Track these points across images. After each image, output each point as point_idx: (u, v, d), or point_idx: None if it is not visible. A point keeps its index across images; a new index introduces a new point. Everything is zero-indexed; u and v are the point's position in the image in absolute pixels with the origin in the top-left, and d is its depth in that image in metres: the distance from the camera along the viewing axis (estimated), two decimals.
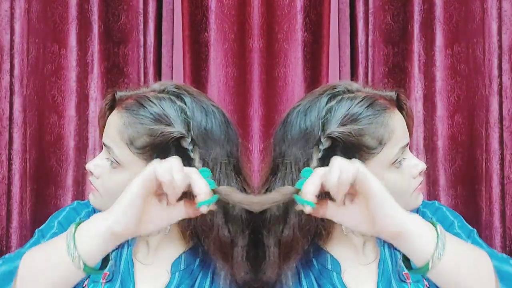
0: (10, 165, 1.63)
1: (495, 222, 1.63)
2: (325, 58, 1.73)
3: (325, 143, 0.91)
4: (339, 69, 1.77)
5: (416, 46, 1.70)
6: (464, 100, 1.70)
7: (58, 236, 0.86)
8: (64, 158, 1.71)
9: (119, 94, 0.99)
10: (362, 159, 0.92)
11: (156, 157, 0.90)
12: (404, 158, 0.97)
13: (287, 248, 0.94)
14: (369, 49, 1.72)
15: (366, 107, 0.94)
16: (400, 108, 1.00)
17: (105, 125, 0.99)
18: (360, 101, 0.94)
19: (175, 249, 1.01)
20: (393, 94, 0.99)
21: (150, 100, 0.94)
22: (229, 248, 0.94)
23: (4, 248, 1.65)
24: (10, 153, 1.63)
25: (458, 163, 1.72)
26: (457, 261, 0.81)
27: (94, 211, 1.08)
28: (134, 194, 0.80)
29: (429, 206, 1.10)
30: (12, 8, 1.62)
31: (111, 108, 0.99)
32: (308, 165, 0.90)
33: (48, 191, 1.71)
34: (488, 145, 1.64)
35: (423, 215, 1.08)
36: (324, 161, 0.89)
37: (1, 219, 1.65)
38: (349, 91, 0.97)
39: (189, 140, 0.90)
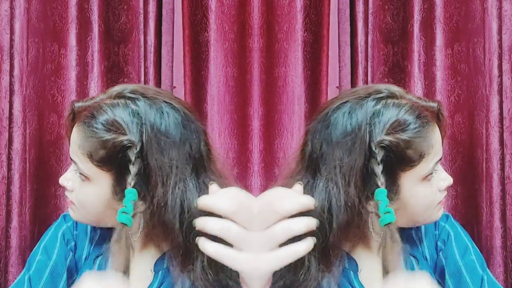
0: (9, 165, 1.63)
1: (495, 222, 1.63)
2: (325, 58, 1.73)
3: (380, 153, 0.89)
4: (339, 69, 1.77)
5: (416, 45, 1.70)
6: (464, 100, 1.70)
7: None
8: (64, 158, 1.71)
9: (76, 105, 0.96)
10: (401, 170, 0.91)
11: (114, 169, 0.90)
12: (436, 171, 0.96)
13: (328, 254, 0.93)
14: (369, 48, 1.72)
15: (415, 118, 0.92)
16: (437, 119, 0.98)
17: None
18: (408, 109, 0.92)
19: (159, 249, 1.01)
20: (435, 105, 0.97)
21: (103, 109, 0.92)
22: (187, 255, 0.92)
23: (3, 249, 1.64)
24: (9, 153, 1.63)
25: (458, 163, 1.71)
26: None
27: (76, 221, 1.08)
28: None
29: (444, 219, 1.09)
30: (11, 8, 1.62)
31: (74, 120, 0.97)
32: (355, 170, 0.89)
33: (48, 191, 1.71)
34: (489, 145, 1.64)
35: (442, 231, 1.08)
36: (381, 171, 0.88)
37: (1, 219, 1.64)
38: (393, 96, 0.95)
39: (136, 150, 0.88)
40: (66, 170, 1.66)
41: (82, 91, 1.71)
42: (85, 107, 0.95)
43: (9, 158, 1.63)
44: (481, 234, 1.67)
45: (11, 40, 1.62)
